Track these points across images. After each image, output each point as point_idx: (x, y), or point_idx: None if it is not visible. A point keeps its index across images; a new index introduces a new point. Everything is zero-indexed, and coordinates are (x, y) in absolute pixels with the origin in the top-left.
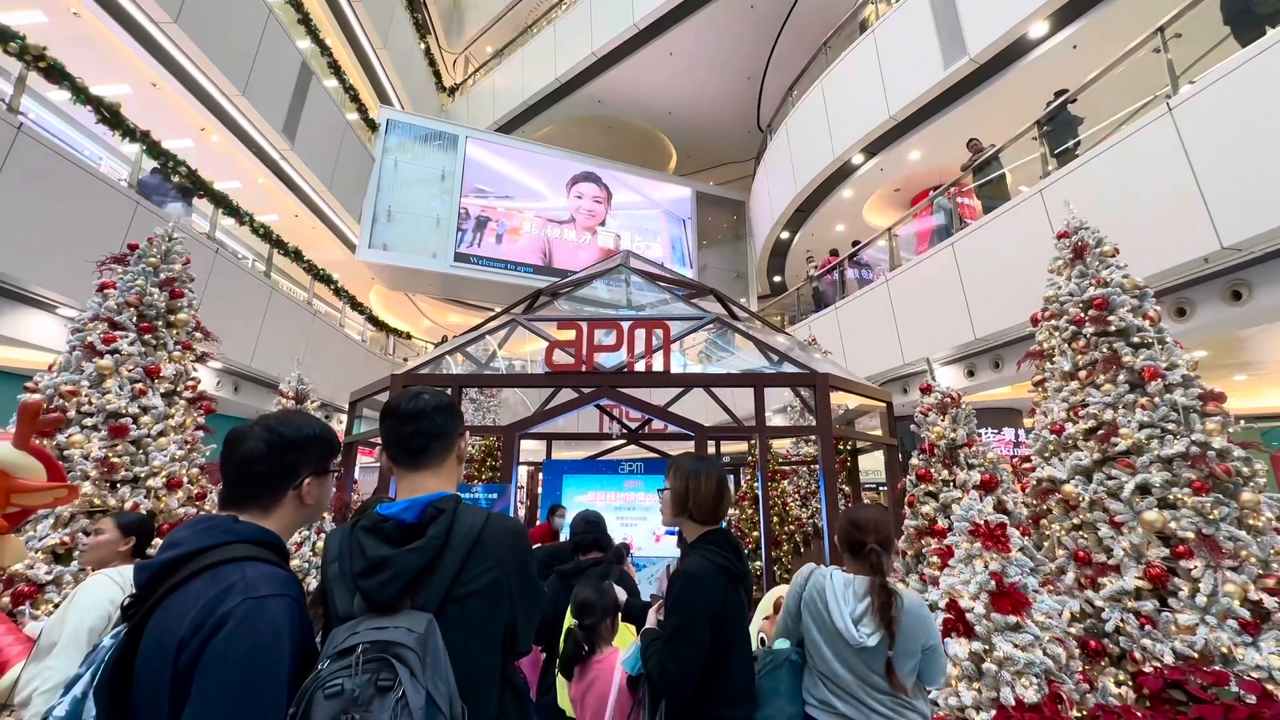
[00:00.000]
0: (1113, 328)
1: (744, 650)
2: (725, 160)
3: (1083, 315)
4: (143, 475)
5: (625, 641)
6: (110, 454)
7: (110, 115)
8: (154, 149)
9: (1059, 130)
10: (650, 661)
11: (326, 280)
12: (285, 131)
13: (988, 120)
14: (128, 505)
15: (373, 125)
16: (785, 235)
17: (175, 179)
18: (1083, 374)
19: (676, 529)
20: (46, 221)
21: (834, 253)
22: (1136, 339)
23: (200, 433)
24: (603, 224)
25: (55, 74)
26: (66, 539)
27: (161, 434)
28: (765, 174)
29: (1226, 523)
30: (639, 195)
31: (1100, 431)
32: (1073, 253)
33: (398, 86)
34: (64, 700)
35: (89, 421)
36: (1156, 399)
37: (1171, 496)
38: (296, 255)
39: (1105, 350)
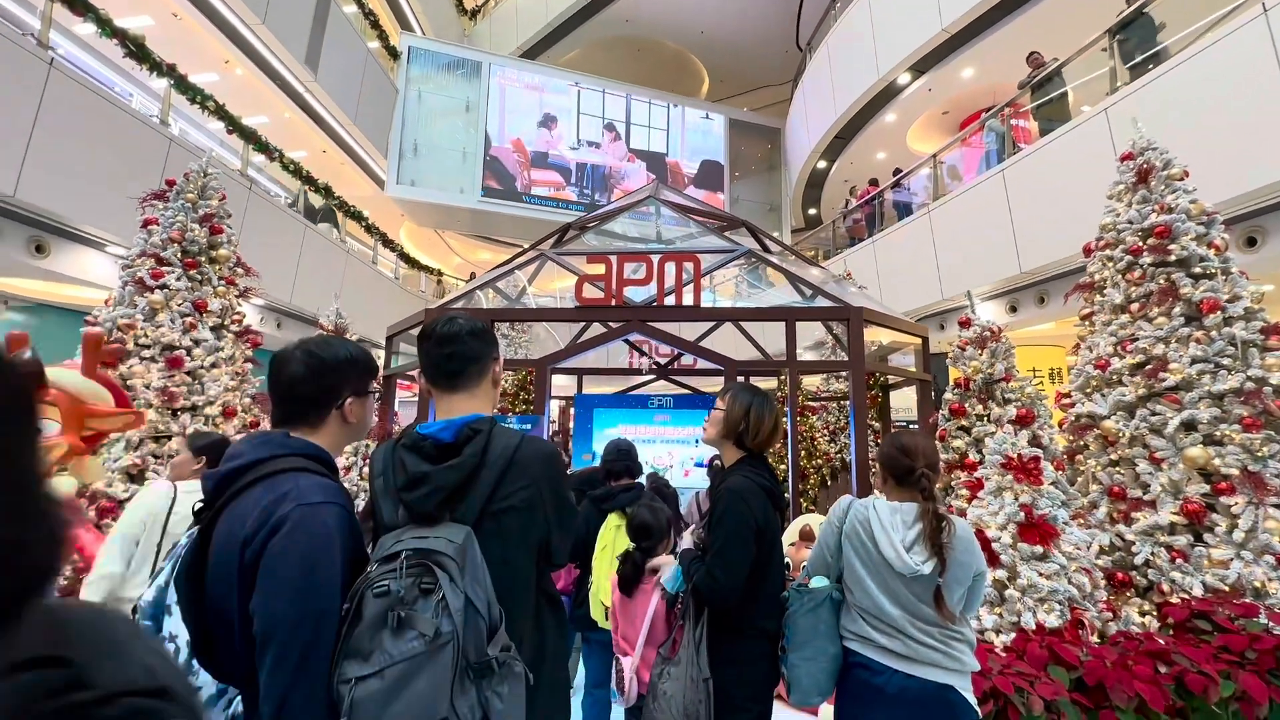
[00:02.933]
0: (1173, 257)
1: (778, 565)
2: (760, 84)
3: (1141, 244)
4: (200, 404)
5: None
6: (169, 384)
7: (136, 48)
8: (181, 83)
9: (1135, 37)
10: (699, 575)
11: (357, 217)
12: (308, 62)
13: (1051, 32)
14: (190, 431)
15: (394, 53)
16: (822, 165)
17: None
18: (1134, 307)
19: (706, 462)
20: (88, 160)
21: (874, 182)
22: (1198, 269)
23: (249, 365)
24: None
25: (79, 5)
26: (138, 461)
27: (214, 365)
28: (803, 98)
29: (1276, 460)
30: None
31: (1148, 366)
32: (1136, 176)
33: (417, 10)
34: (150, 588)
35: (147, 353)
36: (1213, 333)
37: (1219, 433)
38: (327, 192)
39: (1162, 281)
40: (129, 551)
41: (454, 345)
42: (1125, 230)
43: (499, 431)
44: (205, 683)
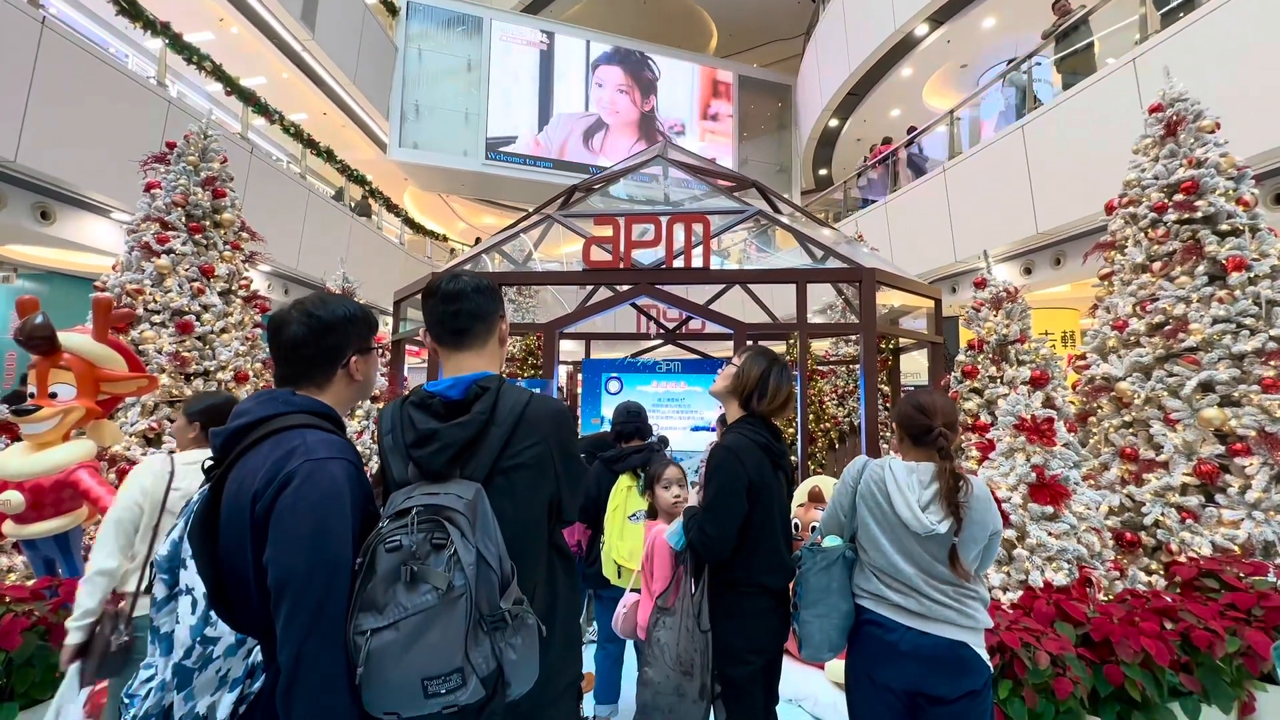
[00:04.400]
0: (1199, 214)
1: (783, 523)
2: (771, 38)
3: (1166, 201)
4: (212, 369)
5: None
6: (180, 349)
7: (128, 5)
8: (176, 42)
9: None
10: (692, 531)
11: (360, 181)
12: (304, 19)
13: None
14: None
15: (393, 9)
16: (834, 123)
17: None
18: (1156, 266)
19: (714, 425)
20: (87, 124)
21: (887, 141)
22: (1225, 226)
23: (259, 330)
24: (643, 111)
25: None
26: (154, 425)
27: (224, 330)
28: (815, 52)
29: None
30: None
31: (1167, 327)
32: (1165, 129)
33: None
34: (165, 542)
35: (156, 318)
36: (1237, 292)
37: (1237, 394)
38: (329, 155)
39: (1187, 239)
40: (126, 540)
41: (460, 302)
42: (1150, 186)
43: (507, 389)
44: (223, 632)
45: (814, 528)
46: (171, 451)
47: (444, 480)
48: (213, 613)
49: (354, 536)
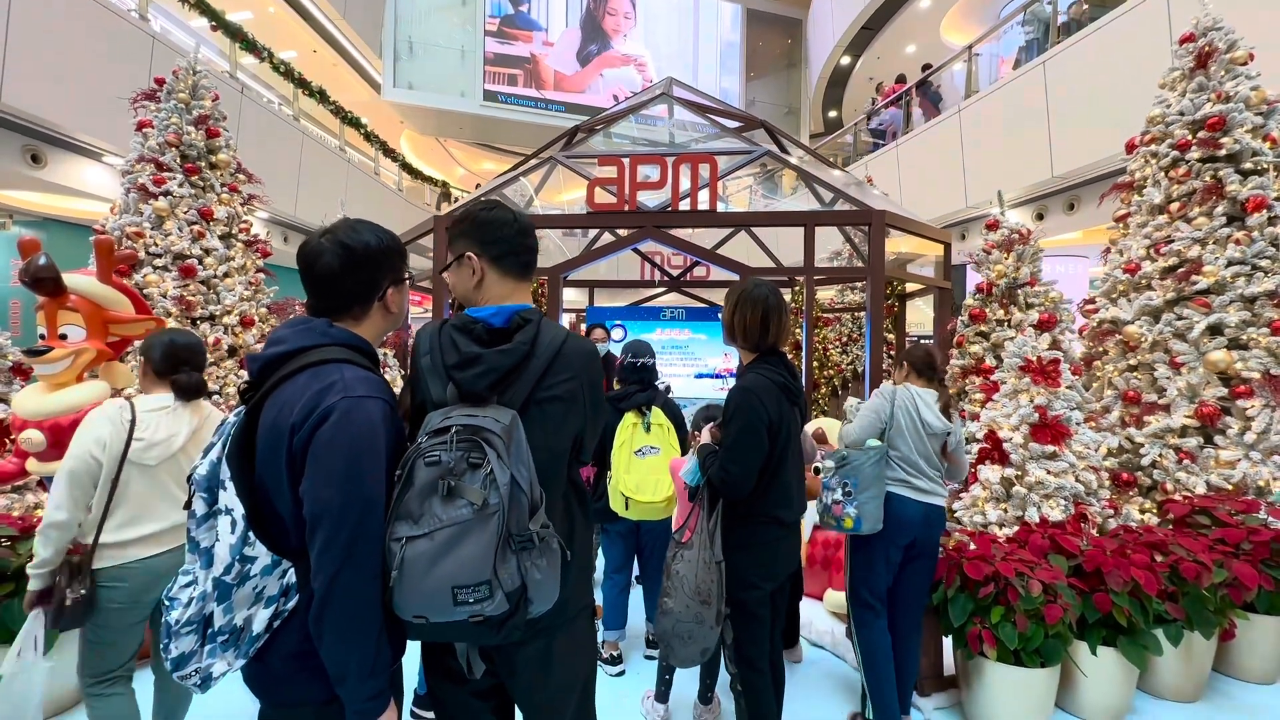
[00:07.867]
0: (1223, 152)
1: (796, 458)
2: None
3: (1190, 138)
4: (218, 314)
5: (642, 478)
6: (184, 293)
7: None
8: None
9: None
10: (712, 469)
11: (355, 124)
12: None
13: None
14: (210, 341)
15: None
16: (846, 60)
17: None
18: (1174, 207)
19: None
20: (71, 62)
21: (901, 79)
22: (1249, 164)
23: (262, 275)
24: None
25: None
26: None
27: (226, 275)
28: None
29: None
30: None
31: (1180, 269)
32: (1195, 61)
33: None
34: (204, 462)
35: (158, 262)
36: (1255, 233)
37: (1245, 337)
38: (322, 96)
39: (1208, 178)
40: (82, 493)
41: (533, 238)
42: (1175, 123)
43: (547, 324)
44: (261, 553)
45: (816, 469)
46: (129, 397)
47: (482, 404)
48: (251, 534)
49: (387, 474)
